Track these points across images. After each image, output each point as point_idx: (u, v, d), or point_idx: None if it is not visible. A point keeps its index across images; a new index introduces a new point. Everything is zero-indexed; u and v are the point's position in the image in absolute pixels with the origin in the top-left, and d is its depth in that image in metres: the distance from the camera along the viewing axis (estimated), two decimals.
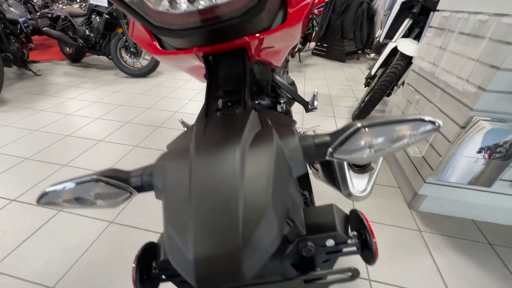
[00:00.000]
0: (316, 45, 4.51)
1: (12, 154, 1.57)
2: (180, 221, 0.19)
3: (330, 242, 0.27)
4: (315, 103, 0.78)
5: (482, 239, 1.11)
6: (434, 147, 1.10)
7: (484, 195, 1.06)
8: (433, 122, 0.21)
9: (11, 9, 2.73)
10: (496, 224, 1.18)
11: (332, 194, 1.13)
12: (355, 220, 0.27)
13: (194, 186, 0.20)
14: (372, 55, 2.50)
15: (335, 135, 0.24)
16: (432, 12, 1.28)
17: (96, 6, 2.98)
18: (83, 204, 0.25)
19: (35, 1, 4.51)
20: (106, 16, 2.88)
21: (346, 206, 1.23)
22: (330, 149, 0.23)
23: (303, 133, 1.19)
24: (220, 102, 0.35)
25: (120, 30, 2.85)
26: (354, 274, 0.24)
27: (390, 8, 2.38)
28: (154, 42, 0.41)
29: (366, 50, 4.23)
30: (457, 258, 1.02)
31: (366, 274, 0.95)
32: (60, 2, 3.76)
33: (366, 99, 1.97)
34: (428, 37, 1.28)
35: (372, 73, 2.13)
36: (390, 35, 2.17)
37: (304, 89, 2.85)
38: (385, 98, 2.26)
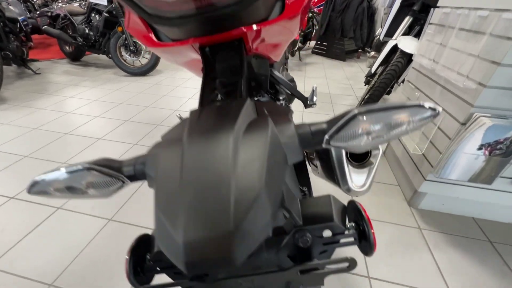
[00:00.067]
0: (316, 43, 4.50)
1: (11, 152, 1.57)
2: (170, 206, 0.19)
3: (327, 233, 0.26)
4: (314, 98, 0.77)
5: (482, 236, 1.10)
6: (434, 144, 1.09)
7: (485, 192, 1.06)
8: (432, 109, 0.21)
9: (11, 7, 2.72)
10: (496, 222, 1.17)
11: (331, 190, 1.13)
12: (353, 211, 0.26)
13: (185, 171, 0.20)
14: (372, 53, 2.50)
15: (332, 122, 0.23)
16: (432, 9, 1.27)
17: (96, 4, 2.97)
18: (75, 193, 0.24)
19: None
20: (106, 14, 2.88)
21: (344, 201, 1.23)
22: (326, 136, 0.23)
23: None
24: (216, 93, 0.35)
25: (119, 29, 2.84)
26: (352, 264, 0.23)
27: (391, 6, 2.37)
28: (150, 34, 0.41)
29: (366, 49, 4.22)
30: (457, 256, 1.02)
31: (366, 272, 0.94)
32: (60, 1, 3.76)
33: (366, 97, 1.96)
34: (429, 34, 1.27)
35: (372, 71, 2.12)
36: (390, 33, 2.16)
37: (304, 88, 2.85)
38: (385, 96, 2.25)
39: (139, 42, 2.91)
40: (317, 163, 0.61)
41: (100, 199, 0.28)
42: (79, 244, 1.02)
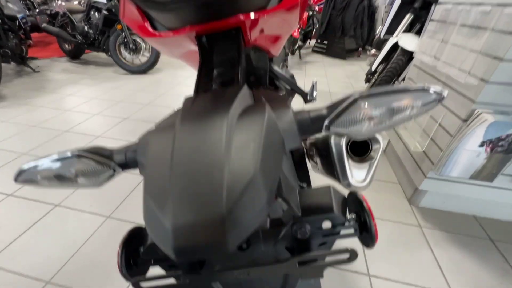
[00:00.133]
0: (317, 42, 4.49)
1: (9, 150, 1.56)
2: (160, 190, 0.18)
3: (327, 224, 0.25)
4: (314, 93, 0.76)
5: (483, 235, 1.09)
6: (435, 141, 1.08)
7: (486, 190, 1.05)
8: (437, 92, 0.20)
9: (9, 5, 2.71)
10: (497, 220, 1.16)
11: None
12: (354, 202, 0.25)
13: (177, 155, 0.19)
14: (373, 51, 2.49)
15: (332, 107, 0.22)
16: (433, 5, 1.26)
17: (95, 2, 2.96)
18: (64, 182, 0.24)
19: None
20: (105, 12, 2.86)
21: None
22: (326, 122, 0.22)
23: None
24: (212, 83, 0.34)
25: (119, 27, 2.83)
26: (352, 255, 0.22)
27: (391, 3, 2.36)
28: (145, 24, 0.40)
29: (366, 47, 4.21)
30: (458, 254, 1.01)
31: (366, 269, 0.94)
32: None
33: None
34: (430, 31, 1.26)
35: (373, 69, 2.11)
36: (391, 31, 2.14)
37: (304, 87, 2.83)
38: None
39: (138, 41, 2.91)
40: (317, 159, 0.61)
41: (90, 188, 0.27)
42: (77, 242, 1.01)
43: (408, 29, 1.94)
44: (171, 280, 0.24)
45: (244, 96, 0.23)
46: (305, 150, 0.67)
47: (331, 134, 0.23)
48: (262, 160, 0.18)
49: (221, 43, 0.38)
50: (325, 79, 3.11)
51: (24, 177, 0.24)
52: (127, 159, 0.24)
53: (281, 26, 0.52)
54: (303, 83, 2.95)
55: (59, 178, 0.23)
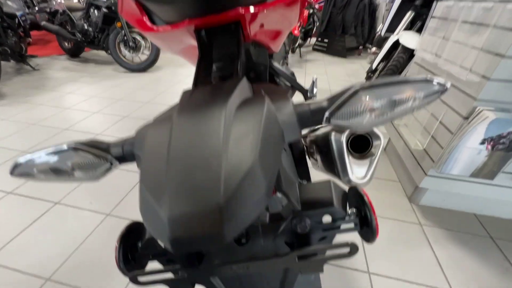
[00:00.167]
0: (317, 40, 4.47)
1: (9, 148, 1.56)
2: (156, 180, 0.18)
3: (327, 219, 0.25)
4: (315, 90, 0.76)
5: (484, 232, 1.09)
6: (436, 139, 1.08)
7: (486, 188, 1.04)
8: (440, 84, 0.20)
9: (9, 2, 2.70)
10: (498, 218, 1.16)
11: None
12: (354, 197, 0.25)
13: (173, 146, 0.18)
14: (374, 49, 2.47)
15: (332, 99, 0.22)
16: (435, 2, 1.25)
17: (95, 0, 2.95)
18: (60, 175, 0.23)
19: None
20: (105, 10, 2.85)
21: None
22: (326, 114, 0.22)
23: None
24: (210, 77, 0.33)
25: (118, 24, 2.82)
26: (353, 249, 0.22)
27: (392, 1, 2.34)
28: (144, 18, 0.39)
29: (367, 45, 4.19)
30: (458, 252, 1.01)
31: (366, 267, 0.93)
32: None
33: None
34: (431, 28, 1.26)
35: (373, 67, 2.10)
36: (391, 29, 2.13)
37: (304, 85, 2.83)
38: None
39: (138, 39, 2.90)
40: (317, 157, 0.60)
41: (87, 182, 0.27)
42: (77, 239, 1.01)
43: (409, 27, 1.93)
44: (169, 275, 0.24)
45: (243, 88, 0.23)
46: (305, 147, 0.67)
47: (332, 126, 0.22)
48: (261, 150, 0.17)
49: (220, 38, 0.38)
50: (326, 77, 3.10)
51: (20, 170, 0.23)
52: (124, 152, 0.24)
53: (281, 21, 0.52)
54: (304, 81, 2.94)
55: (56, 172, 0.23)
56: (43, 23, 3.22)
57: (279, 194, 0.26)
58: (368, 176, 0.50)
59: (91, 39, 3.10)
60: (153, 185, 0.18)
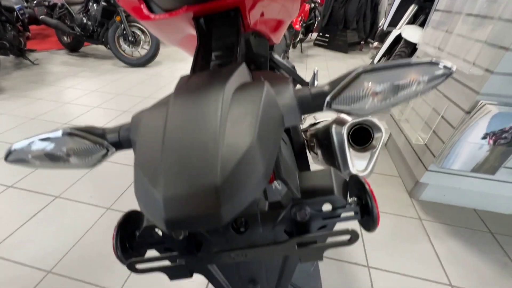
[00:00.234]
0: (318, 35, 4.43)
1: (9, 142, 1.56)
2: (151, 163, 0.17)
3: (327, 207, 0.25)
4: (316, 83, 0.75)
5: (483, 227, 1.09)
6: (437, 134, 1.07)
7: (487, 183, 1.04)
8: (445, 66, 0.19)
9: None
10: (498, 213, 1.16)
11: None
12: (355, 185, 0.25)
13: (169, 128, 0.18)
14: (375, 43, 2.45)
15: (333, 83, 0.21)
16: None
17: None
18: (55, 161, 0.23)
19: None
20: (103, 3, 2.82)
21: None
22: (327, 98, 0.21)
23: (303, 118, 1.16)
24: (209, 64, 0.33)
25: (118, 18, 2.79)
26: (353, 237, 0.22)
27: None
28: (141, 6, 0.38)
29: (369, 40, 4.15)
30: (457, 246, 1.01)
31: (365, 261, 0.94)
32: None
33: None
34: (434, 21, 1.24)
35: (375, 61, 2.08)
36: (394, 23, 2.11)
37: (305, 79, 2.81)
38: None
39: (137, 33, 2.87)
40: (318, 151, 0.60)
41: (83, 169, 0.27)
42: (78, 232, 1.01)
43: (412, 21, 1.90)
44: (167, 262, 0.24)
45: (242, 73, 0.22)
46: (305, 141, 0.66)
47: (333, 119, 0.22)
48: (259, 132, 0.17)
49: (219, 26, 0.37)
50: (327, 72, 3.08)
51: (14, 156, 0.23)
52: (120, 138, 0.24)
53: (281, 10, 0.51)
54: (304, 77, 2.92)
55: (51, 158, 0.23)
56: (42, 17, 3.18)
57: (278, 186, 0.26)
58: (369, 169, 0.50)
59: (90, 33, 3.07)
60: (148, 167, 0.17)
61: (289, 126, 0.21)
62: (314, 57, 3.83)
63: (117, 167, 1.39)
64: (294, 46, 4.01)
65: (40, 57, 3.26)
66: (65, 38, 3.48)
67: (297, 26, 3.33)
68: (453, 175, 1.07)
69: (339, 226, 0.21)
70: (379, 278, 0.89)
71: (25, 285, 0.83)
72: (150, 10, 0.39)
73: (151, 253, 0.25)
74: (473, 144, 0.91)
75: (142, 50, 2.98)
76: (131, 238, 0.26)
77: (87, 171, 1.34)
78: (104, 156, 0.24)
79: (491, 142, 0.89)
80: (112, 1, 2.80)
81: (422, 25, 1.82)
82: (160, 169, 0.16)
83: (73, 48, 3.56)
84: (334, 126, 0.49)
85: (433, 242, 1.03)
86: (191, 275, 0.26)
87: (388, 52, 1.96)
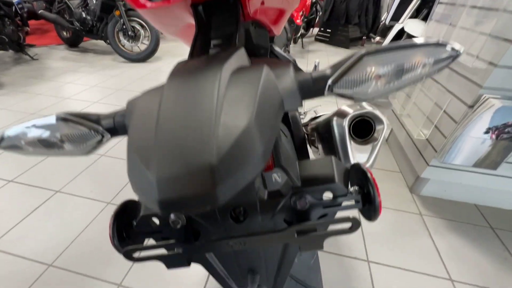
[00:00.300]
0: (320, 30, 4.38)
1: None
2: (144, 143, 0.17)
3: (328, 196, 0.24)
4: None
5: (484, 223, 1.09)
6: (439, 128, 1.06)
7: (488, 178, 1.04)
8: (452, 48, 0.18)
9: None
10: (499, 208, 1.16)
11: None
12: (357, 174, 0.24)
13: (164, 108, 0.17)
14: (377, 38, 2.42)
15: (335, 66, 0.21)
16: None
17: None
18: (49, 148, 0.22)
19: None
20: None
21: None
22: (329, 82, 0.20)
23: (304, 113, 1.15)
24: (207, 51, 0.32)
25: (117, 13, 2.76)
26: (354, 225, 0.21)
27: None
28: None
29: (371, 35, 4.10)
30: (458, 241, 1.01)
31: (365, 256, 0.94)
32: None
33: None
34: (438, 14, 1.22)
35: None
36: (396, 17, 2.08)
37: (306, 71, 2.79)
38: None
39: (137, 28, 2.84)
40: (319, 145, 0.59)
41: (77, 156, 0.26)
42: (78, 227, 1.02)
43: (415, 15, 1.88)
44: (164, 251, 0.23)
45: (240, 57, 0.21)
46: (306, 135, 0.65)
47: (334, 96, 0.21)
48: (257, 113, 0.16)
49: (218, 13, 0.36)
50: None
51: (7, 142, 0.22)
52: (115, 124, 0.23)
53: (282, 1, 0.49)
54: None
55: (44, 144, 0.22)
56: (41, 11, 3.16)
57: (278, 176, 0.25)
58: (370, 162, 0.49)
59: (90, 28, 3.05)
60: (141, 147, 0.17)
61: (290, 110, 0.21)
62: (315, 52, 3.79)
63: (117, 162, 1.38)
64: (295, 42, 3.97)
65: (39, 52, 3.24)
66: (65, 33, 3.46)
67: (298, 21, 3.29)
68: (454, 170, 1.06)
69: (340, 215, 0.21)
70: (379, 272, 0.89)
71: (27, 278, 0.84)
72: None
73: (149, 242, 0.24)
74: (475, 138, 0.90)
75: (142, 45, 2.95)
76: (128, 228, 0.26)
77: (87, 165, 1.34)
78: (99, 142, 0.23)
79: (494, 136, 0.88)
80: None
81: (425, 19, 1.80)
82: (154, 150, 0.16)
83: (73, 43, 3.54)
84: (335, 118, 0.49)
85: (433, 237, 1.02)
86: (188, 264, 0.25)
87: None
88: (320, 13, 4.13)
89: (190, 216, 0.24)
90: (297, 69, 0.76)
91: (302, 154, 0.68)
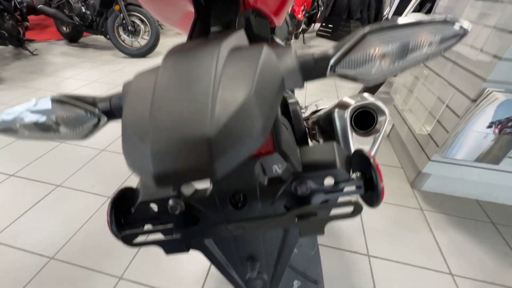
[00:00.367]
0: (321, 26, 4.34)
1: None
2: (140, 116, 0.16)
3: (329, 182, 0.24)
4: None
5: (485, 218, 1.09)
6: (441, 123, 1.05)
7: (490, 173, 1.03)
8: (461, 26, 0.18)
9: None
10: (500, 204, 1.15)
11: None
12: (359, 160, 0.24)
13: (160, 82, 0.17)
14: None
15: (338, 46, 0.20)
16: None
17: None
18: (45, 131, 0.22)
19: None
20: None
21: None
22: (331, 62, 0.20)
23: (305, 107, 1.14)
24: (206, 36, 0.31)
25: (117, 7, 2.74)
26: (357, 208, 0.21)
27: None
28: None
29: None
30: (458, 236, 1.01)
31: (365, 250, 0.94)
32: None
33: None
34: (441, 7, 1.20)
35: None
36: (399, 12, 2.05)
37: None
38: (392, 78, 2.18)
39: (137, 22, 2.82)
40: (320, 139, 0.59)
41: (74, 140, 0.26)
42: (79, 221, 1.02)
43: (418, 9, 1.85)
44: (163, 236, 0.23)
45: (240, 37, 0.21)
46: (307, 130, 0.65)
47: (337, 77, 0.20)
48: (257, 87, 0.16)
49: (218, 0, 0.35)
50: None
51: (2, 125, 0.22)
52: (111, 106, 0.23)
53: None
54: None
55: (40, 127, 0.22)
56: (40, 6, 3.13)
57: (278, 168, 0.25)
58: (372, 154, 0.48)
59: (89, 23, 3.03)
60: (136, 121, 0.16)
61: (290, 89, 0.20)
62: (316, 48, 3.76)
63: (118, 157, 1.38)
64: (296, 37, 3.94)
65: (39, 48, 3.23)
66: (64, 28, 3.44)
67: (299, 16, 3.26)
68: (456, 165, 1.05)
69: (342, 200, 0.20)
70: (379, 266, 0.89)
71: (28, 270, 0.84)
72: None
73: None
74: (478, 133, 0.90)
75: (142, 40, 2.93)
76: (126, 215, 0.25)
77: (88, 160, 1.34)
78: (96, 126, 0.23)
79: (497, 131, 0.87)
80: None
81: (428, 13, 1.77)
82: (149, 122, 0.15)
83: (72, 38, 3.52)
84: (336, 110, 0.48)
85: (434, 232, 1.02)
86: (187, 250, 0.25)
87: None
88: (322, 8, 4.09)
89: (188, 202, 0.23)
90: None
91: (302, 145, 0.68)
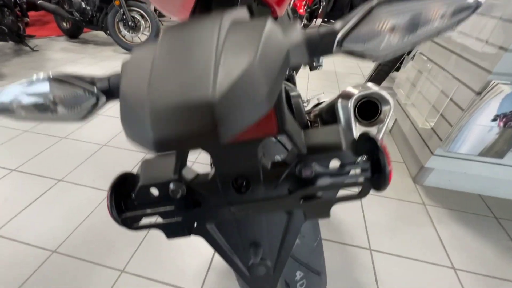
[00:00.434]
0: (323, 21, 4.29)
1: (11, 127, 1.55)
2: (138, 83, 0.15)
3: (334, 164, 0.23)
4: (321, 59, 0.72)
5: (488, 213, 1.08)
6: (445, 117, 1.04)
7: (494, 167, 1.02)
8: None
9: None
10: (503, 199, 1.14)
11: None
12: (365, 143, 0.23)
13: (160, 51, 0.16)
14: None
15: (345, 20, 0.19)
16: None
17: None
18: (42, 111, 0.21)
19: None
20: None
21: None
22: (338, 37, 0.19)
23: (307, 100, 1.13)
24: None
25: (117, 2, 2.72)
26: (364, 188, 0.20)
27: None
28: None
29: None
30: (461, 231, 1.00)
31: (367, 244, 0.94)
32: None
33: (374, 74, 1.88)
34: None
35: None
36: None
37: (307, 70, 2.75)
38: (394, 73, 2.15)
39: (137, 18, 2.80)
40: None
41: (72, 122, 0.25)
42: (81, 215, 1.02)
43: None
44: (165, 220, 0.23)
45: (242, 12, 0.20)
46: (309, 123, 0.64)
47: (343, 54, 0.20)
48: (261, 55, 0.15)
49: None
50: (331, 59, 3.01)
51: None
52: (110, 85, 0.22)
53: None
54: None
55: (37, 107, 0.21)
56: (40, 1, 3.12)
57: (280, 159, 0.24)
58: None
59: (89, 19, 3.01)
60: (134, 88, 0.15)
61: (296, 64, 0.19)
62: None
63: (121, 151, 1.38)
64: None
65: (39, 44, 3.21)
66: (64, 24, 3.42)
67: (301, 11, 3.23)
68: (459, 159, 1.04)
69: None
70: (381, 260, 0.89)
71: (31, 264, 0.85)
72: None
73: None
74: (482, 126, 0.88)
75: (143, 36, 2.92)
76: (126, 200, 0.25)
77: (89, 155, 1.34)
78: (94, 106, 0.22)
79: (501, 124, 0.86)
80: None
81: None
82: (148, 87, 0.15)
83: (73, 34, 3.50)
84: (340, 100, 0.47)
85: (436, 226, 1.02)
86: (189, 234, 0.25)
87: None
88: (324, 3, 4.04)
89: (190, 186, 0.23)
90: None
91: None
